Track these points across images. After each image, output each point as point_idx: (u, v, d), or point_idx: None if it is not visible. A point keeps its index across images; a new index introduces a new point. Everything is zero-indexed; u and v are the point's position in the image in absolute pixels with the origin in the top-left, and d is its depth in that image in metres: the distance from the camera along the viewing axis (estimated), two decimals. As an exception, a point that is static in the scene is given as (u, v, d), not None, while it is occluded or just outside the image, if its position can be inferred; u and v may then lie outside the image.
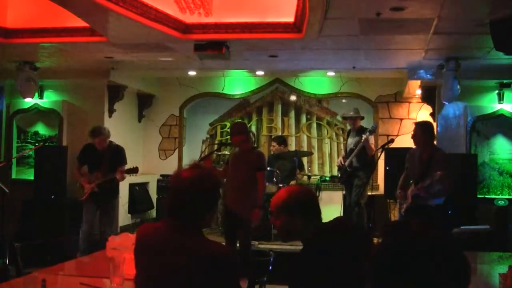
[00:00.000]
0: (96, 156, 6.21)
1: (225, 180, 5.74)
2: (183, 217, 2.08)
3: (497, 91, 7.33)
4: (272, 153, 8.07)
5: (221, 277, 1.98)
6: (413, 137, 5.33)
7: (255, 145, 8.05)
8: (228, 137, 8.74)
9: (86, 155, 6.34)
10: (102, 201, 6.19)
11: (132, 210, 8.29)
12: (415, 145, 5.36)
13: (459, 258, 1.18)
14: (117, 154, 6.30)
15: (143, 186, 8.76)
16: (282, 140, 8.01)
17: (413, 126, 5.47)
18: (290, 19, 5.36)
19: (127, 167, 6.27)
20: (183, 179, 2.10)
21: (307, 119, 8.91)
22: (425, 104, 7.94)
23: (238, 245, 5.70)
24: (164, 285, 2.02)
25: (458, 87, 6.33)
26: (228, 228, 5.76)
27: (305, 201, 2.39)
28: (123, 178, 6.26)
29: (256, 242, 6.74)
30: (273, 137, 8.52)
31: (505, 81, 7.20)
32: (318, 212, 2.42)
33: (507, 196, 7.19)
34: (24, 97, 7.35)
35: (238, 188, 5.53)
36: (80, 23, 5.46)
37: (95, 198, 6.14)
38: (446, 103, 6.69)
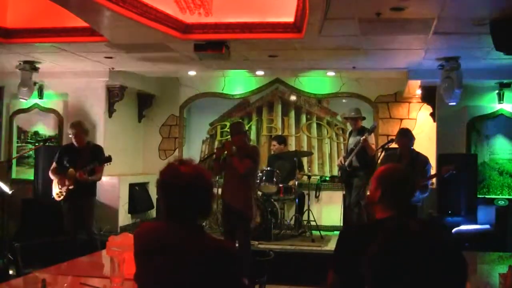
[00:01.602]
0: (74, 154, 6.06)
1: (222, 177, 5.80)
2: (185, 215, 2.06)
3: (497, 91, 7.33)
4: (272, 152, 8.08)
5: (226, 272, 1.99)
6: (397, 142, 5.99)
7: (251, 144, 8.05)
8: (228, 137, 8.75)
9: (64, 155, 6.16)
10: (80, 199, 6.00)
11: (132, 210, 8.29)
12: (401, 147, 5.94)
13: (456, 256, 1.18)
14: (96, 153, 6.14)
15: (143, 186, 8.76)
16: (282, 140, 8.04)
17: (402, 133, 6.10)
18: (290, 19, 5.36)
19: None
20: (183, 176, 2.06)
21: (307, 119, 8.91)
22: (425, 104, 7.94)
23: (237, 244, 5.71)
24: (171, 283, 2.02)
25: (461, 87, 6.36)
26: (228, 227, 5.77)
27: (390, 180, 2.39)
28: (87, 179, 6.00)
29: (256, 242, 6.73)
30: (273, 136, 8.53)
31: (505, 81, 7.20)
32: (398, 199, 2.36)
33: (507, 196, 7.18)
34: (21, 98, 7.34)
35: (236, 185, 5.57)
36: (80, 23, 5.45)
37: (71, 197, 5.99)
38: (452, 103, 6.67)
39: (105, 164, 6.13)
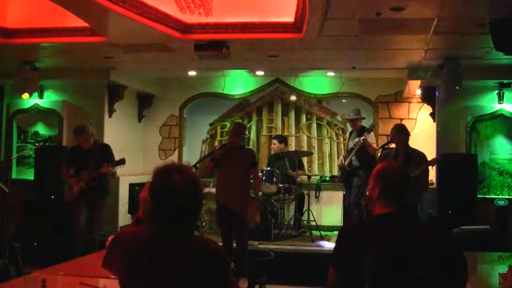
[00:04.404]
0: (83, 156, 6.11)
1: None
2: (171, 220, 2.00)
3: (497, 91, 7.33)
4: (272, 151, 8.09)
5: (213, 272, 1.97)
6: (393, 137, 5.85)
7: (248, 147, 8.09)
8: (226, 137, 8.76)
9: (73, 157, 6.23)
10: (91, 199, 6.08)
11: (132, 210, 8.29)
12: (396, 143, 5.81)
13: (457, 256, 1.18)
14: (104, 152, 6.21)
15: (143, 186, 8.73)
16: (282, 139, 8.06)
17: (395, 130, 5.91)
18: (290, 19, 5.37)
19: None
20: (175, 184, 1.99)
21: (307, 119, 8.91)
22: (425, 104, 7.94)
23: (235, 244, 5.72)
24: (157, 286, 1.98)
25: (458, 87, 6.36)
26: (224, 228, 5.78)
27: (386, 177, 2.45)
28: (113, 173, 6.21)
29: (256, 242, 6.74)
30: (274, 135, 8.53)
31: (505, 81, 7.19)
32: (395, 195, 2.39)
33: (507, 196, 7.18)
34: (20, 94, 7.33)
35: (234, 186, 5.58)
36: (80, 23, 5.46)
37: (84, 197, 6.04)
38: (448, 102, 6.71)
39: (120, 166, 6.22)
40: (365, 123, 7.24)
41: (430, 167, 5.88)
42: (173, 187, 1.98)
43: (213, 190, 7.69)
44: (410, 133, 5.98)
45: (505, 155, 7.28)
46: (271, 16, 5.45)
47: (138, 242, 2.06)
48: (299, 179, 7.66)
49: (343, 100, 8.77)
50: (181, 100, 9.18)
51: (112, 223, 7.76)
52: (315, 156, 8.80)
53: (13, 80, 7.25)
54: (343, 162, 6.91)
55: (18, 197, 7.30)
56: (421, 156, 5.75)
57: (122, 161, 6.09)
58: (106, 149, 6.31)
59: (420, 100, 8.08)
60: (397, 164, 2.64)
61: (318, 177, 8.44)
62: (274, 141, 8.02)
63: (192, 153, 9.12)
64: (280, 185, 7.37)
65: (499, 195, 7.22)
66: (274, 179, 7.27)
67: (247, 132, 6.03)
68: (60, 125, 8.08)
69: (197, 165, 6.13)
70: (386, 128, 8.46)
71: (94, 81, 7.88)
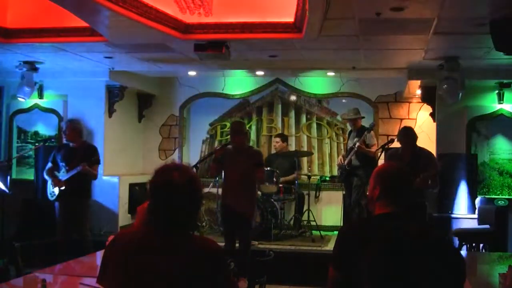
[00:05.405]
0: (67, 153, 6.08)
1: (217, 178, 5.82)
2: (170, 219, 2.01)
3: (497, 91, 7.33)
4: (274, 149, 8.09)
5: (213, 272, 1.97)
6: (399, 141, 5.84)
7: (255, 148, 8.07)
8: (228, 137, 8.76)
9: (58, 154, 6.17)
10: (73, 200, 6.01)
11: (132, 210, 8.29)
12: (402, 145, 5.79)
13: (455, 256, 1.18)
14: (90, 152, 6.14)
15: (143, 186, 8.75)
16: (285, 138, 8.12)
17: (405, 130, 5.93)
18: (290, 19, 5.37)
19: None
20: (174, 183, 2.00)
21: (307, 119, 8.91)
22: (425, 104, 7.94)
23: (237, 244, 5.71)
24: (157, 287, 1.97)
25: (459, 86, 6.36)
26: (229, 228, 5.77)
27: (387, 177, 2.43)
28: (93, 174, 6.08)
29: (256, 242, 6.74)
30: (276, 134, 8.53)
31: (505, 81, 7.20)
32: (396, 195, 2.39)
33: (507, 196, 7.18)
34: (21, 98, 7.34)
35: (240, 187, 5.56)
36: (80, 23, 5.46)
37: (64, 197, 5.99)
38: (449, 102, 6.69)
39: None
40: (365, 123, 7.24)
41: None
42: (172, 185, 2.00)
43: (213, 190, 7.74)
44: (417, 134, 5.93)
45: (505, 155, 7.28)
46: (271, 16, 5.44)
47: (137, 242, 2.06)
48: (297, 179, 7.66)
49: (343, 100, 8.76)
50: (181, 100, 9.18)
51: (112, 223, 7.76)
52: (315, 156, 8.80)
53: (13, 80, 7.25)
54: (342, 162, 6.91)
55: (18, 197, 7.30)
56: (428, 155, 5.73)
57: (96, 161, 6.05)
58: (91, 150, 6.24)
59: (420, 100, 8.09)
60: (398, 164, 2.62)
61: (318, 177, 8.45)
62: (277, 139, 8.04)
63: (192, 153, 9.12)
64: (280, 185, 7.37)
65: (499, 195, 7.22)
66: (274, 179, 7.27)
67: (244, 130, 5.94)
68: (60, 125, 8.08)
69: (198, 165, 6.12)
70: (386, 128, 8.48)
71: (94, 81, 7.88)
